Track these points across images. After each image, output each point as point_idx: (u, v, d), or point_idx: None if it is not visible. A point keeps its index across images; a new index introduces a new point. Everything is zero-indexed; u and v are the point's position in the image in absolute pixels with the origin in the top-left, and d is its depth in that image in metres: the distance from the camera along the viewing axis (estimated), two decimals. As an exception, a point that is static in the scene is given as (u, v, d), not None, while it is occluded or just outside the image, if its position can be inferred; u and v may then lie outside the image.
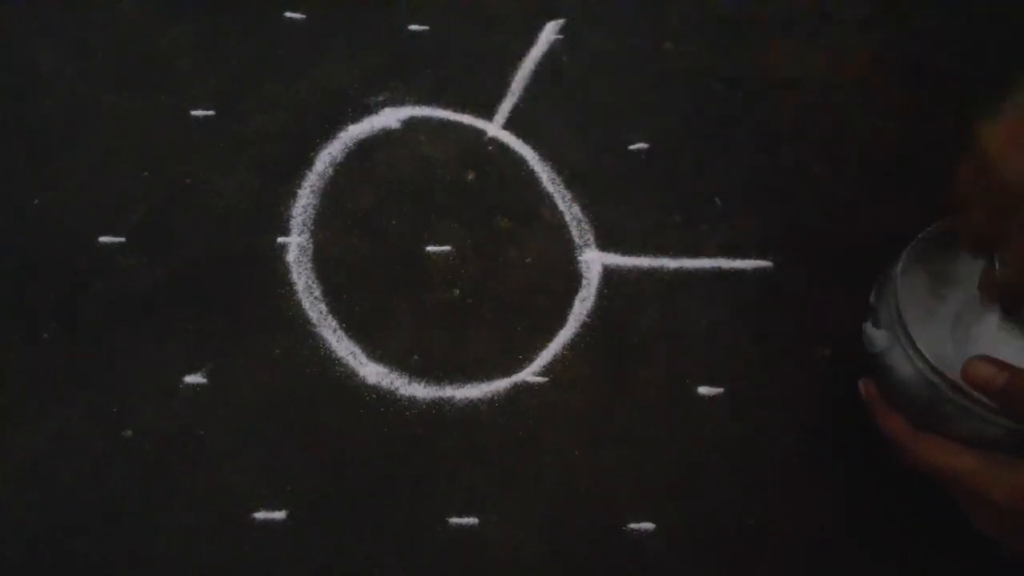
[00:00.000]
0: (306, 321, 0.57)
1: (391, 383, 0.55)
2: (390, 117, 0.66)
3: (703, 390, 0.56)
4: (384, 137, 0.65)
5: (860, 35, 0.71)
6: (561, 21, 0.71)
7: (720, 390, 0.56)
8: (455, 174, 0.64)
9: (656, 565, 0.50)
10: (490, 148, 0.65)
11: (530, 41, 0.70)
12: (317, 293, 0.58)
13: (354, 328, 0.57)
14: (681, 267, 0.60)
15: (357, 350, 0.56)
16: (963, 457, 0.44)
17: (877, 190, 0.63)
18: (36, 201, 0.61)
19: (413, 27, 0.71)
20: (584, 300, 0.59)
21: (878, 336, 0.47)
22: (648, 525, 0.51)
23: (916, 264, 0.49)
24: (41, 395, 0.54)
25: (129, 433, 0.53)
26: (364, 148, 0.65)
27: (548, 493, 0.52)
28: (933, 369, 0.44)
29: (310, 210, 0.62)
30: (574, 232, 0.61)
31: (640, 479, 0.53)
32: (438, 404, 0.55)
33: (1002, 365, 0.42)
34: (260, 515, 0.51)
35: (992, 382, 0.41)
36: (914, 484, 0.48)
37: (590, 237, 0.61)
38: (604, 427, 0.54)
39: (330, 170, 0.63)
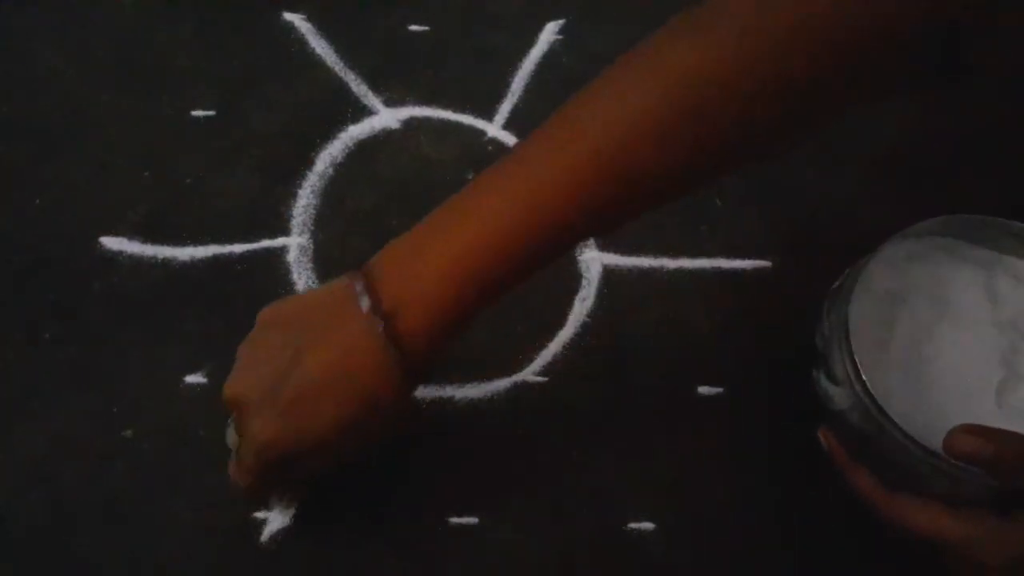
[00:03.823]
0: (306, 321, 0.57)
1: (391, 383, 0.55)
2: (390, 117, 0.66)
3: (703, 390, 0.56)
4: (384, 137, 0.65)
5: (860, 35, 0.71)
6: (561, 21, 0.71)
7: (720, 390, 0.56)
8: (455, 174, 0.64)
9: (656, 565, 0.50)
10: (490, 148, 0.65)
11: (530, 41, 0.70)
12: (317, 293, 0.58)
13: (354, 328, 0.57)
14: (681, 267, 0.60)
15: (357, 350, 0.56)
16: (947, 520, 0.41)
17: (877, 190, 0.63)
18: (37, 201, 0.61)
19: (413, 27, 0.71)
20: (584, 300, 0.59)
21: (837, 394, 0.44)
22: (648, 524, 0.51)
23: (861, 298, 0.45)
24: (41, 395, 0.54)
25: (130, 433, 0.53)
26: (364, 148, 0.65)
27: (548, 493, 0.52)
28: (905, 435, 0.40)
29: (311, 210, 0.62)
30: (574, 232, 0.61)
31: (640, 479, 0.53)
32: (438, 404, 0.55)
33: (987, 434, 0.38)
34: (259, 515, 0.51)
35: (978, 454, 0.38)
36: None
37: (590, 237, 0.61)
38: (604, 427, 0.54)
39: (330, 170, 0.63)
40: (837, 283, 0.47)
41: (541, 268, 0.42)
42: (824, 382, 0.46)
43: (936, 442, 0.39)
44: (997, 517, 0.40)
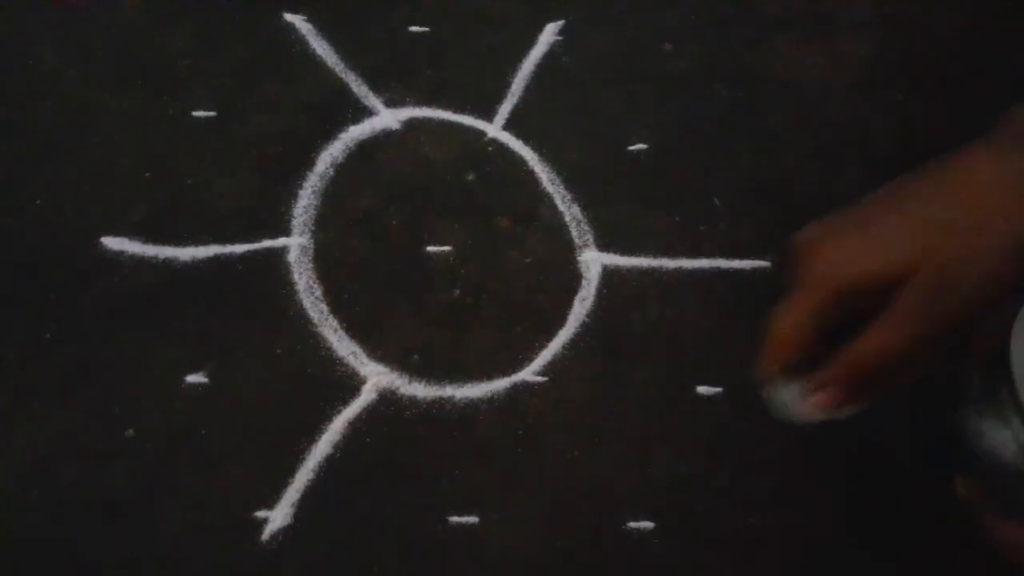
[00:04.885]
0: (307, 321, 0.57)
1: (391, 382, 0.55)
2: (390, 118, 0.66)
3: (703, 390, 0.56)
4: (384, 138, 0.65)
5: (859, 35, 0.71)
6: (561, 22, 0.71)
7: (720, 390, 0.56)
8: (455, 175, 0.64)
9: (655, 564, 0.50)
10: (490, 149, 0.65)
11: (530, 42, 0.70)
12: (318, 293, 0.58)
13: (355, 328, 0.57)
14: (680, 267, 0.60)
15: (358, 350, 0.56)
16: None
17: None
18: (37, 201, 0.61)
19: (413, 28, 0.71)
20: (584, 300, 0.59)
21: (988, 428, 0.40)
22: (648, 524, 0.51)
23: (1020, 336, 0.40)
24: (42, 395, 0.54)
25: (131, 433, 0.53)
26: (365, 149, 0.65)
27: (548, 492, 0.52)
28: None
29: (311, 211, 0.62)
30: (574, 232, 0.61)
31: (640, 478, 0.53)
32: (438, 404, 0.55)
33: None
34: (260, 514, 0.51)
35: None
36: (912, 486, 0.49)
37: (589, 237, 0.61)
38: (604, 427, 0.54)
39: (331, 171, 0.63)
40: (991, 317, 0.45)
41: None
42: (975, 419, 0.41)
43: None
44: None
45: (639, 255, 0.61)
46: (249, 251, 0.60)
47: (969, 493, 0.40)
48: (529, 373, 0.56)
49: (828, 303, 0.35)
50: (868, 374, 0.36)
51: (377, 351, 0.56)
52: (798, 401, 0.39)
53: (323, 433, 0.53)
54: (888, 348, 0.34)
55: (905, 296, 0.34)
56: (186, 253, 0.59)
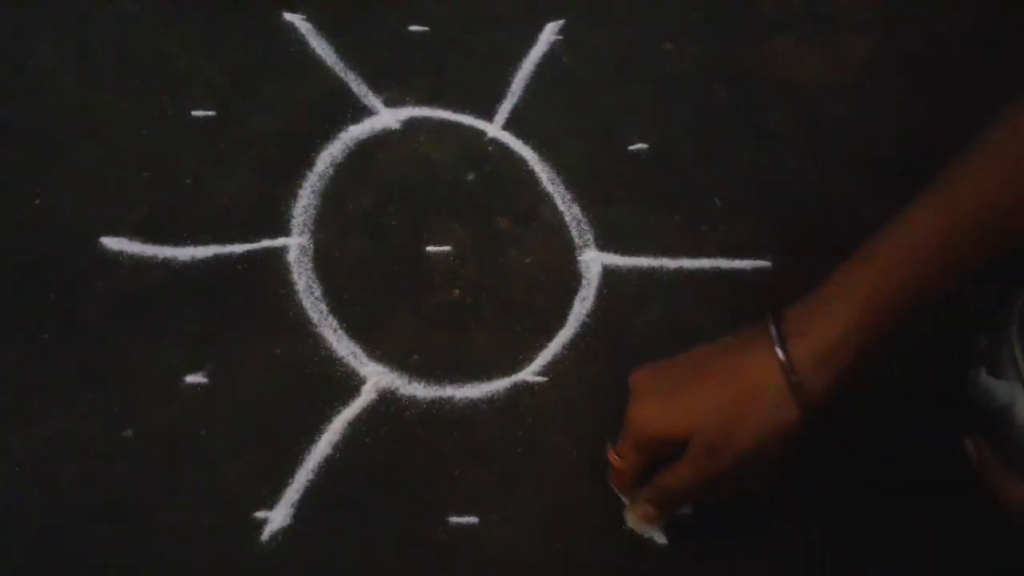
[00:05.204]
0: (307, 321, 0.57)
1: (391, 383, 0.55)
2: (390, 118, 0.66)
3: (703, 390, 0.56)
4: (384, 138, 0.65)
5: (859, 36, 0.71)
6: (561, 22, 0.71)
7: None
8: (455, 174, 0.64)
9: (655, 564, 0.50)
10: (490, 148, 0.65)
11: (530, 41, 0.70)
12: (317, 293, 0.58)
13: (354, 328, 0.57)
14: (681, 267, 0.60)
15: (357, 350, 0.56)
16: None
17: (877, 190, 0.63)
18: (37, 201, 0.61)
19: (413, 28, 0.71)
20: (584, 300, 0.59)
21: (1000, 388, 0.42)
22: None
23: None
24: (42, 395, 0.54)
25: (130, 433, 0.53)
26: (364, 149, 0.65)
27: (548, 493, 0.52)
28: None
29: (311, 210, 0.62)
30: (574, 232, 0.61)
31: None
32: (438, 404, 0.55)
33: None
34: (260, 514, 0.51)
35: None
36: (911, 486, 0.48)
37: (590, 237, 0.61)
38: (604, 427, 0.54)
39: (330, 170, 0.63)
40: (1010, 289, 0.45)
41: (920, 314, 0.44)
42: (986, 379, 0.44)
43: None
44: None
45: (640, 255, 0.61)
46: (248, 251, 0.60)
47: (981, 456, 0.43)
48: (529, 373, 0.56)
49: (643, 446, 0.46)
50: (670, 500, 0.48)
51: (377, 351, 0.56)
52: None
53: (323, 433, 0.53)
54: (679, 486, 0.46)
55: (689, 451, 0.45)
56: (185, 253, 0.59)
